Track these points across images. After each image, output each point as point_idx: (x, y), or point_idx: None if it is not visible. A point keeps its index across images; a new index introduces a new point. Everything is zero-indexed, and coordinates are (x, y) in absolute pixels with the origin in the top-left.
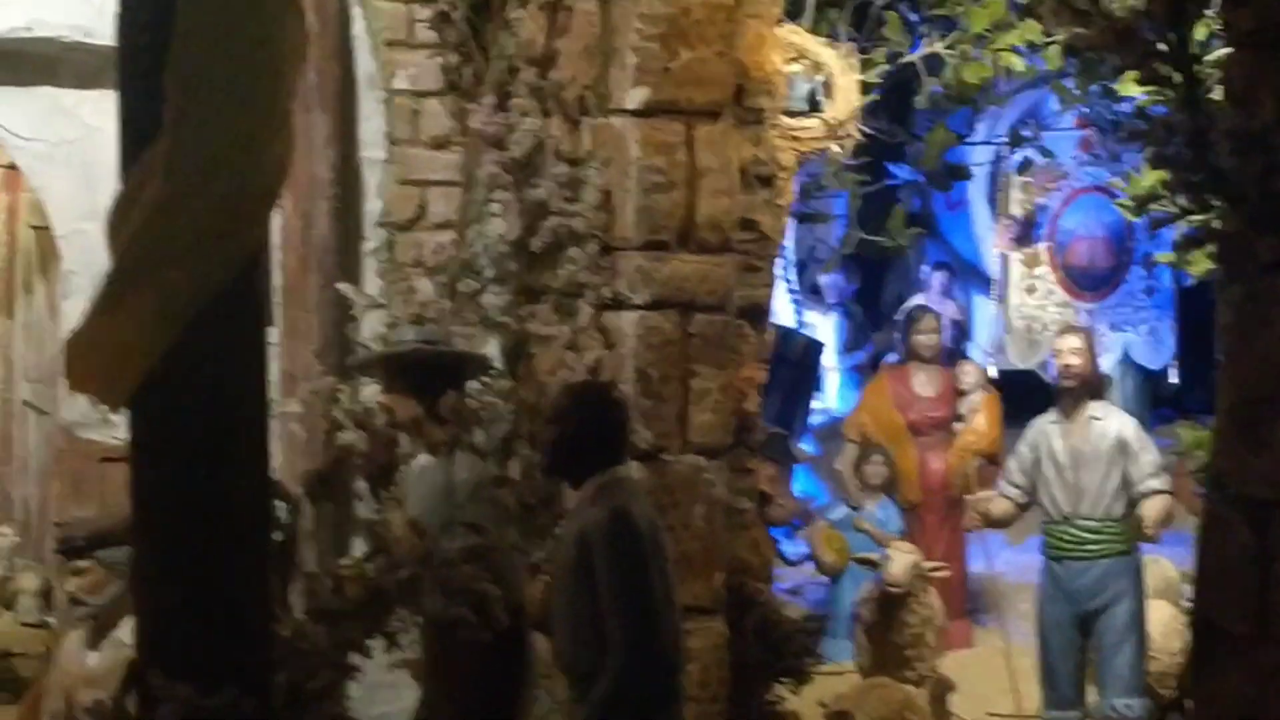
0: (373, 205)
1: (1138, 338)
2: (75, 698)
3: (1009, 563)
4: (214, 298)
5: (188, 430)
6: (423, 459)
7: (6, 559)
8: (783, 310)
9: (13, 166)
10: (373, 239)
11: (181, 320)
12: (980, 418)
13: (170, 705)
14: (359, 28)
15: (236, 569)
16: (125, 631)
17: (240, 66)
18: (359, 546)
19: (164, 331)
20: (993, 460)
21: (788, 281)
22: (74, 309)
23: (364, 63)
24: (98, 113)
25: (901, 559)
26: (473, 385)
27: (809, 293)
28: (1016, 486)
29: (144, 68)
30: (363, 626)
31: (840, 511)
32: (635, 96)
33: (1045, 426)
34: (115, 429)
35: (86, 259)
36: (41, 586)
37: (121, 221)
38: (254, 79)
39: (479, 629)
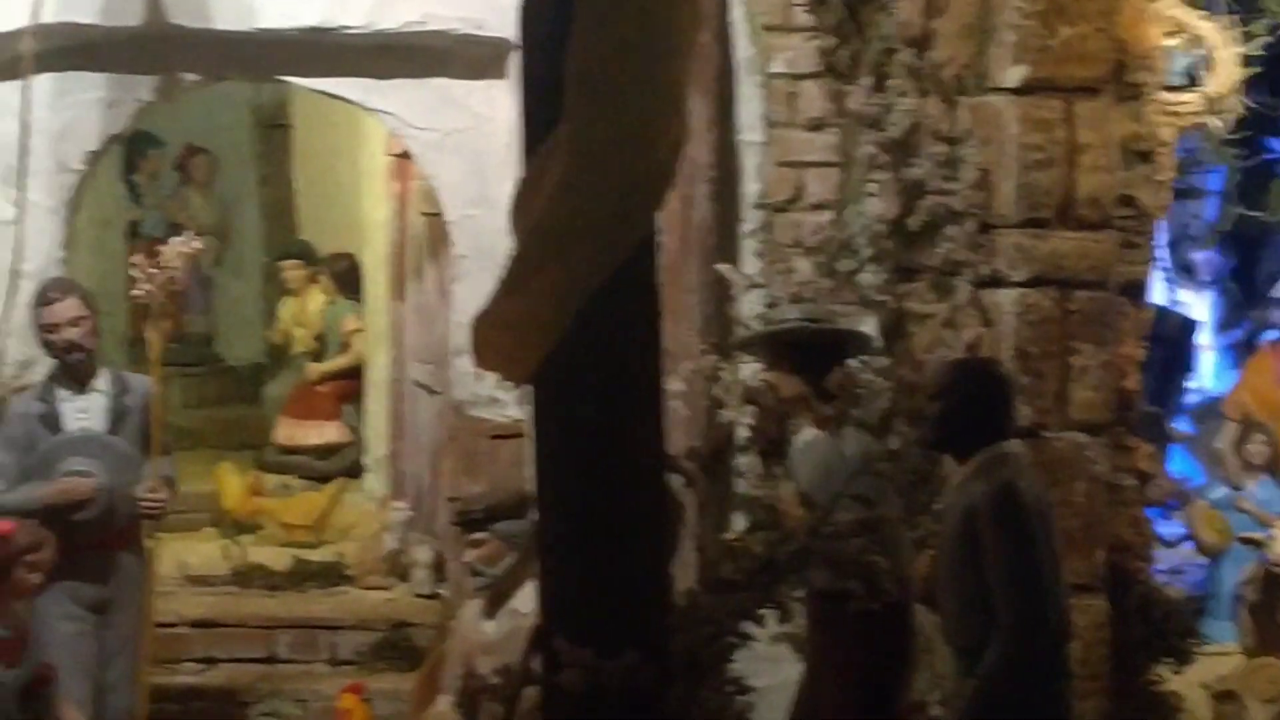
0: (750, 187)
1: None
2: (473, 665)
3: None
4: (611, 277)
5: (587, 405)
6: (807, 434)
7: (401, 532)
8: (1156, 288)
9: (404, 156)
10: (750, 220)
11: (581, 300)
12: None
13: (573, 669)
14: (737, 13)
15: (635, 538)
16: (521, 601)
17: (639, 53)
18: (738, 521)
19: (565, 311)
20: None
21: (1160, 259)
22: (464, 292)
23: (742, 47)
24: (486, 102)
25: None
26: (851, 363)
27: (1182, 270)
28: None
29: (544, 57)
30: (756, 597)
31: (1220, 491)
32: (1014, 74)
33: None
34: (504, 408)
35: (476, 243)
36: (434, 559)
37: (524, 206)
38: (652, 65)
39: (868, 601)
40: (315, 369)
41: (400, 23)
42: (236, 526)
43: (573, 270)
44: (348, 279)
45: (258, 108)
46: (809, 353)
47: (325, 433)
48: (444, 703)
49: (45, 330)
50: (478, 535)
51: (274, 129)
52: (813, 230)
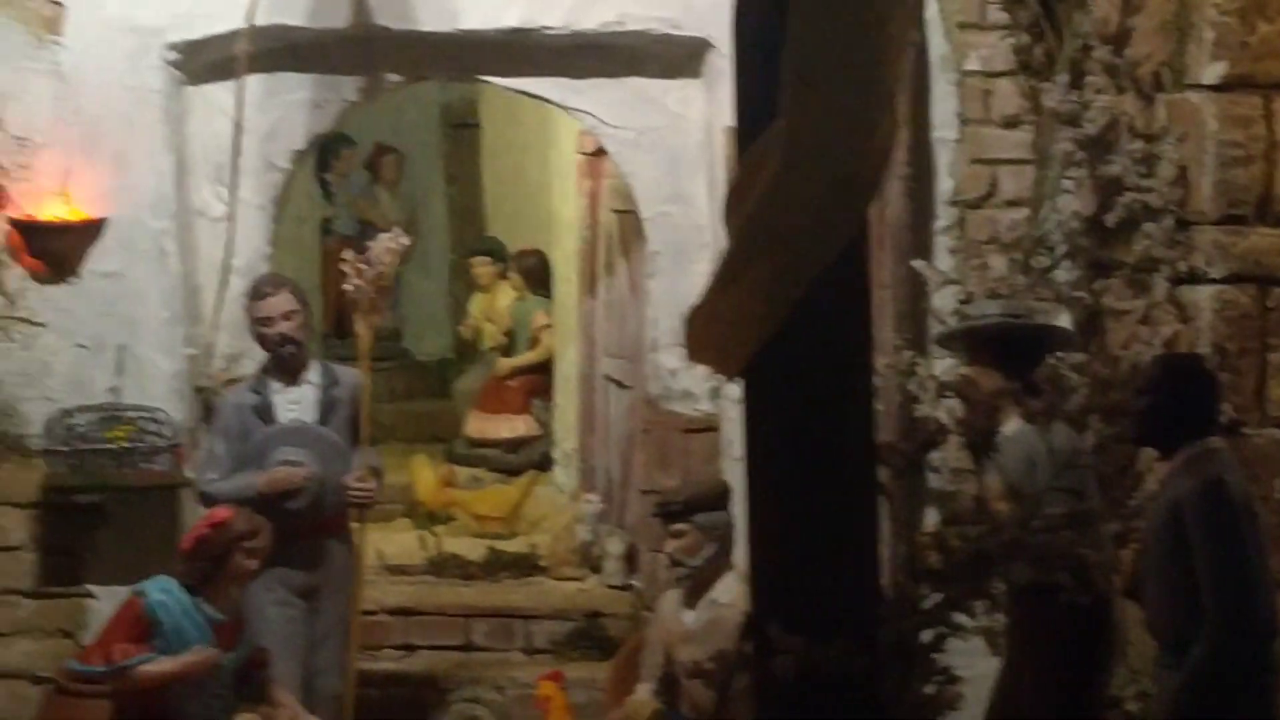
0: (944, 184)
1: None
2: (673, 654)
3: None
4: (823, 273)
5: (799, 397)
6: (1013, 427)
7: (593, 524)
8: None
9: (595, 154)
10: (944, 217)
11: (794, 295)
12: None
13: (786, 655)
14: (932, 11)
15: (845, 529)
16: (720, 591)
17: (857, 51)
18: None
19: (778, 306)
20: None
21: None
22: (659, 288)
23: (936, 45)
24: (681, 101)
25: None
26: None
27: None
28: None
29: (757, 56)
30: (967, 588)
31: None
32: (1213, 71)
33: None
34: (697, 402)
35: (670, 240)
36: (626, 551)
37: (738, 201)
38: (869, 63)
39: (1077, 594)
40: (505, 364)
41: (598, 23)
42: (430, 517)
43: (787, 265)
44: (537, 275)
45: (446, 107)
46: (1010, 348)
47: (515, 426)
48: (643, 690)
49: (259, 324)
50: (678, 526)
51: (461, 128)
52: (1007, 227)
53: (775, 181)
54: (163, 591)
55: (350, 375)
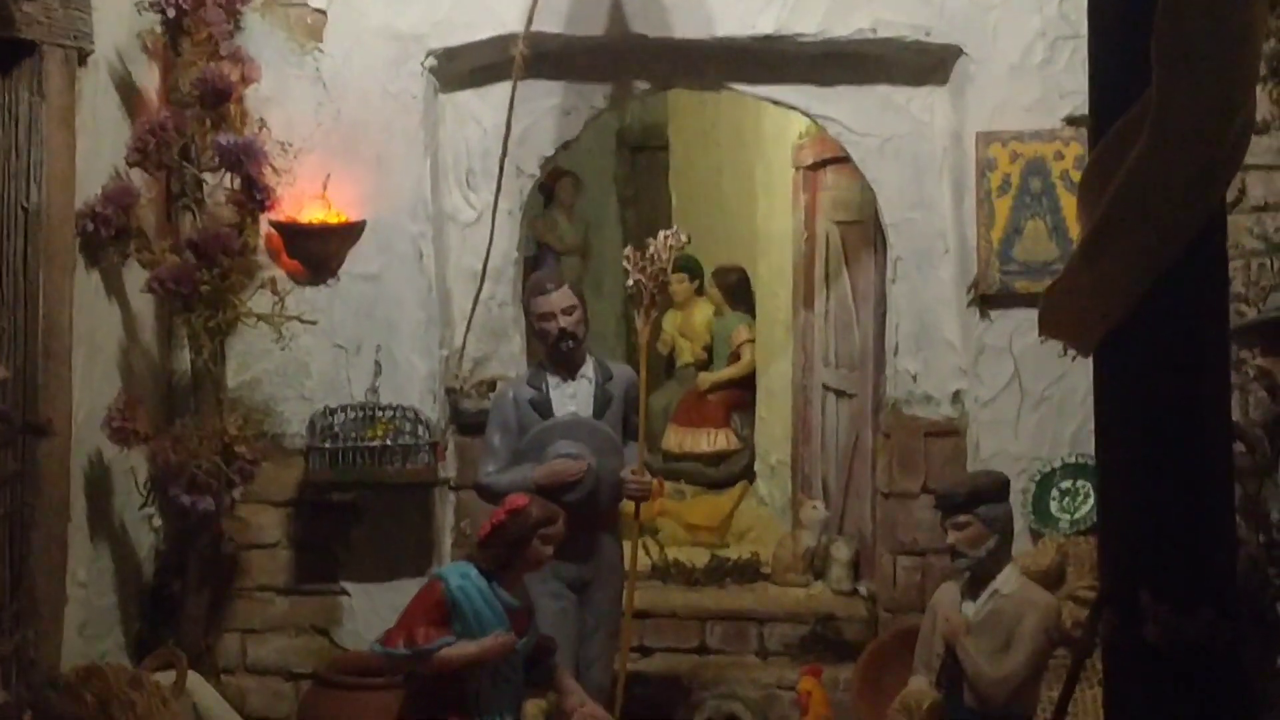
0: None
1: None
2: (954, 644)
3: None
4: (1182, 253)
5: (1155, 372)
6: None
7: (819, 530)
8: None
9: (812, 168)
10: None
11: (1155, 272)
12: None
13: (1155, 623)
14: None
15: (1204, 501)
16: (1001, 581)
17: (1224, 30)
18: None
19: (1137, 284)
20: None
21: None
22: (902, 292)
23: None
24: (925, 109)
25: None
26: None
27: None
28: None
29: (1114, 39)
30: None
31: None
32: None
33: None
34: (938, 406)
35: (913, 245)
36: (852, 557)
37: (1097, 179)
38: (1234, 43)
39: None
40: (706, 378)
41: (852, 30)
42: (638, 528)
43: (1150, 242)
44: (737, 291)
45: (621, 131)
46: None
47: (715, 440)
48: (918, 681)
49: (540, 319)
50: (961, 518)
51: (638, 151)
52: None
53: (1142, 159)
54: (462, 576)
55: (625, 371)
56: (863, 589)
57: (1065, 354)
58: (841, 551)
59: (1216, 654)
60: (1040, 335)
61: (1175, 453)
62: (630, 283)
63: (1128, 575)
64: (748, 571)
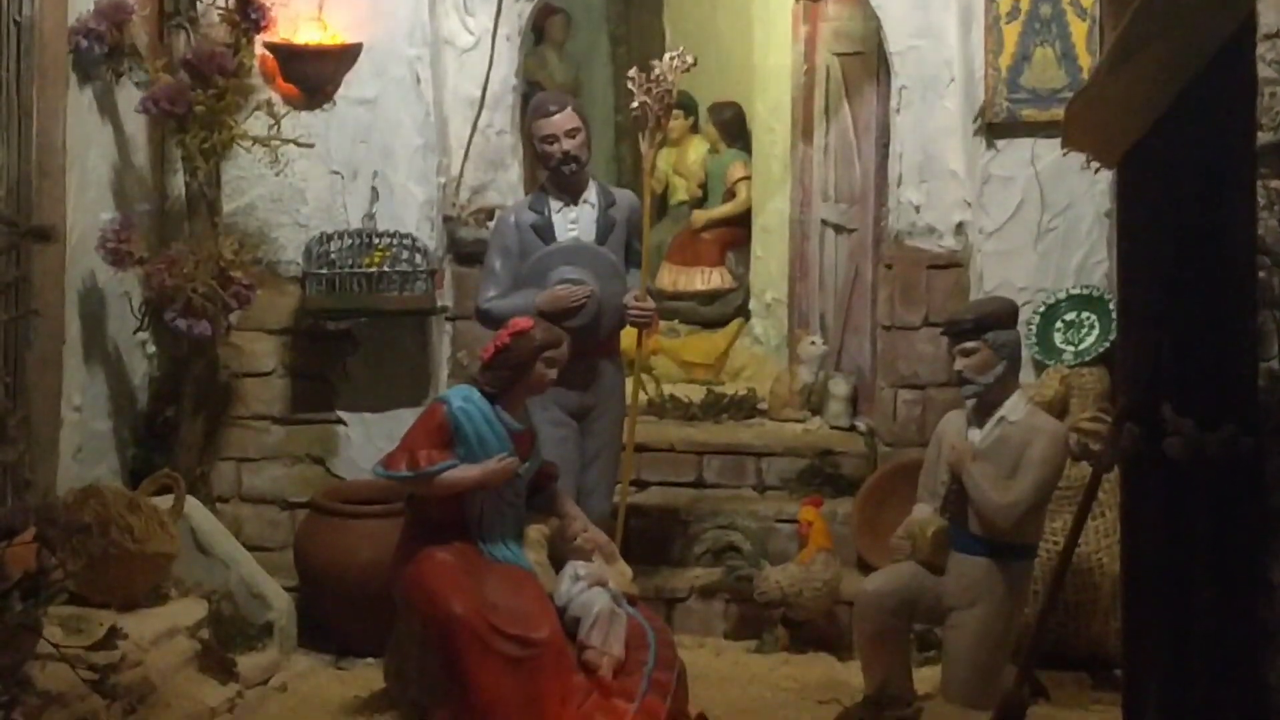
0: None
1: None
2: (960, 471)
3: None
4: (1204, 68)
5: (1177, 187)
6: None
7: (816, 366)
8: None
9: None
10: None
11: (1179, 84)
12: None
13: (1177, 438)
14: None
15: (1225, 319)
16: (1009, 409)
17: None
18: None
19: (1162, 95)
20: None
21: None
22: (906, 121)
23: None
24: None
25: None
26: None
27: None
28: None
29: None
30: None
31: None
32: None
33: None
34: (941, 238)
35: (919, 73)
36: (850, 393)
37: None
38: None
39: None
40: (701, 216)
41: None
42: (639, 356)
43: (1175, 51)
44: (733, 127)
45: None
46: None
47: (710, 278)
48: (922, 509)
49: (542, 141)
50: (969, 345)
51: None
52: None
53: None
54: (464, 399)
55: (628, 196)
56: (860, 425)
57: (1089, 166)
58: (840, 387)
59: (1237, 469)
60: (1063, 148)
61: (1198, 266)
62: (635, 105)
63: (1150, 390)
64: (745, 407)
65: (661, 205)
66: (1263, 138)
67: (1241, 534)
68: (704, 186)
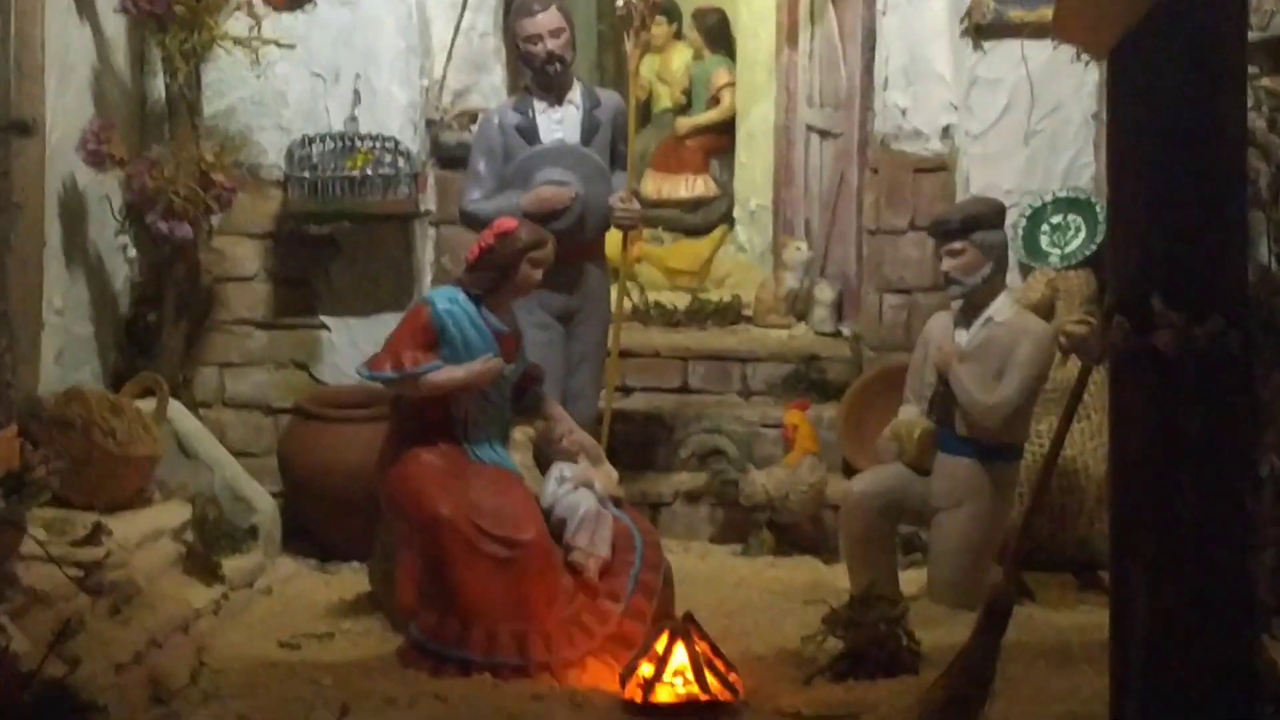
0: None
1: None
2: (946, 371)
3: None
4: None
5: (1168, 78)
6: None
7: (802, 272)
8: None
9: None
10: None
11: None
12: None
13: (1166, 330)
14: None
15: (1217, 209)
16: (995, 309)
17: None
18: None
19: None
20: None
21: None
22: (891, 25)
23: None
24: None
25: None
26: None
27: None
28: None
29: None
30: None
31: None
32: None
33: None
34: (927, 141)
35: None
36: (835, 298)
37: None
38: None
39: None
40: (684, 123)
41: None
42: (614, 272)
43: None
44: (717, 33)
45: None
46: None
47: (694, 185)
48: (909, 410)
49: (526, 41)
50: (955, 245)
51: None
52: None
53: None
54: (450, 300)
55: (613, 98)
56: (846, 330)
57: (1079, 58)
58: (825, 293)
59: (1226, 362)
60: (1053, 38)
61: (1189, 159)
62: (620, 3)
63: (1139, 283)
64: (729, 313)
65: (645, 113)
66: (1252, 36)
67: (1229, 427)
68: (688, 93)
